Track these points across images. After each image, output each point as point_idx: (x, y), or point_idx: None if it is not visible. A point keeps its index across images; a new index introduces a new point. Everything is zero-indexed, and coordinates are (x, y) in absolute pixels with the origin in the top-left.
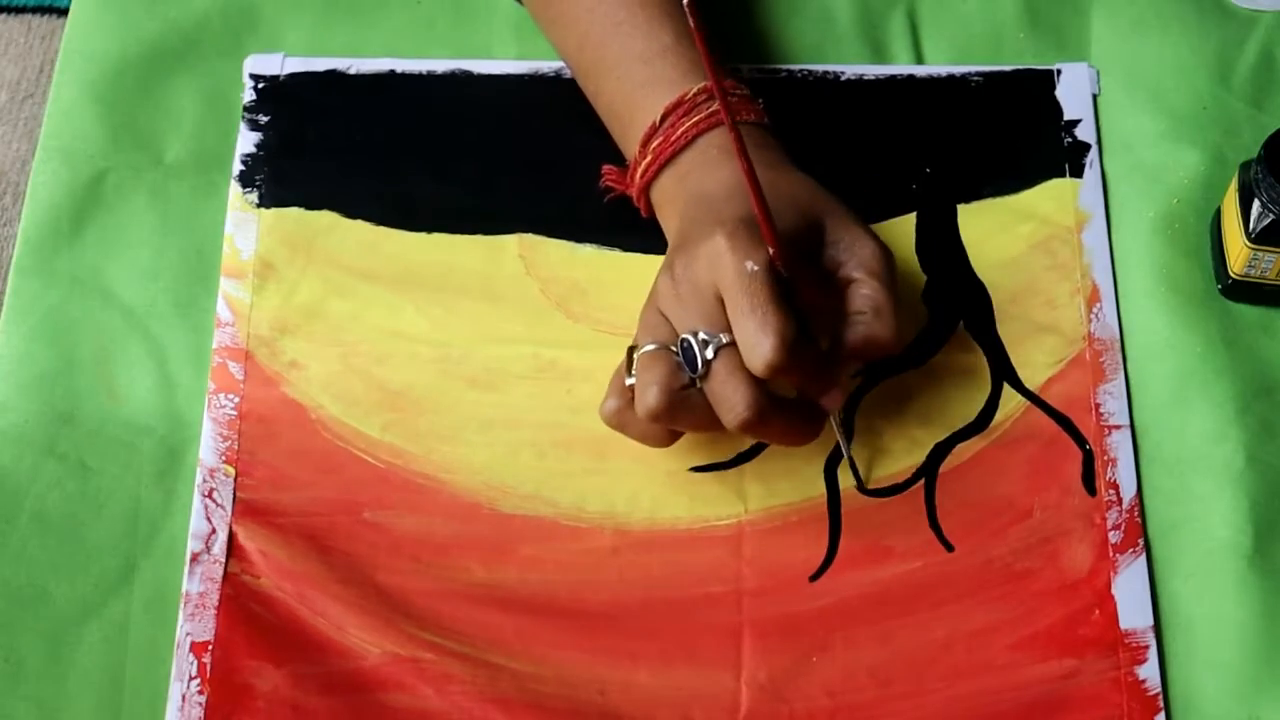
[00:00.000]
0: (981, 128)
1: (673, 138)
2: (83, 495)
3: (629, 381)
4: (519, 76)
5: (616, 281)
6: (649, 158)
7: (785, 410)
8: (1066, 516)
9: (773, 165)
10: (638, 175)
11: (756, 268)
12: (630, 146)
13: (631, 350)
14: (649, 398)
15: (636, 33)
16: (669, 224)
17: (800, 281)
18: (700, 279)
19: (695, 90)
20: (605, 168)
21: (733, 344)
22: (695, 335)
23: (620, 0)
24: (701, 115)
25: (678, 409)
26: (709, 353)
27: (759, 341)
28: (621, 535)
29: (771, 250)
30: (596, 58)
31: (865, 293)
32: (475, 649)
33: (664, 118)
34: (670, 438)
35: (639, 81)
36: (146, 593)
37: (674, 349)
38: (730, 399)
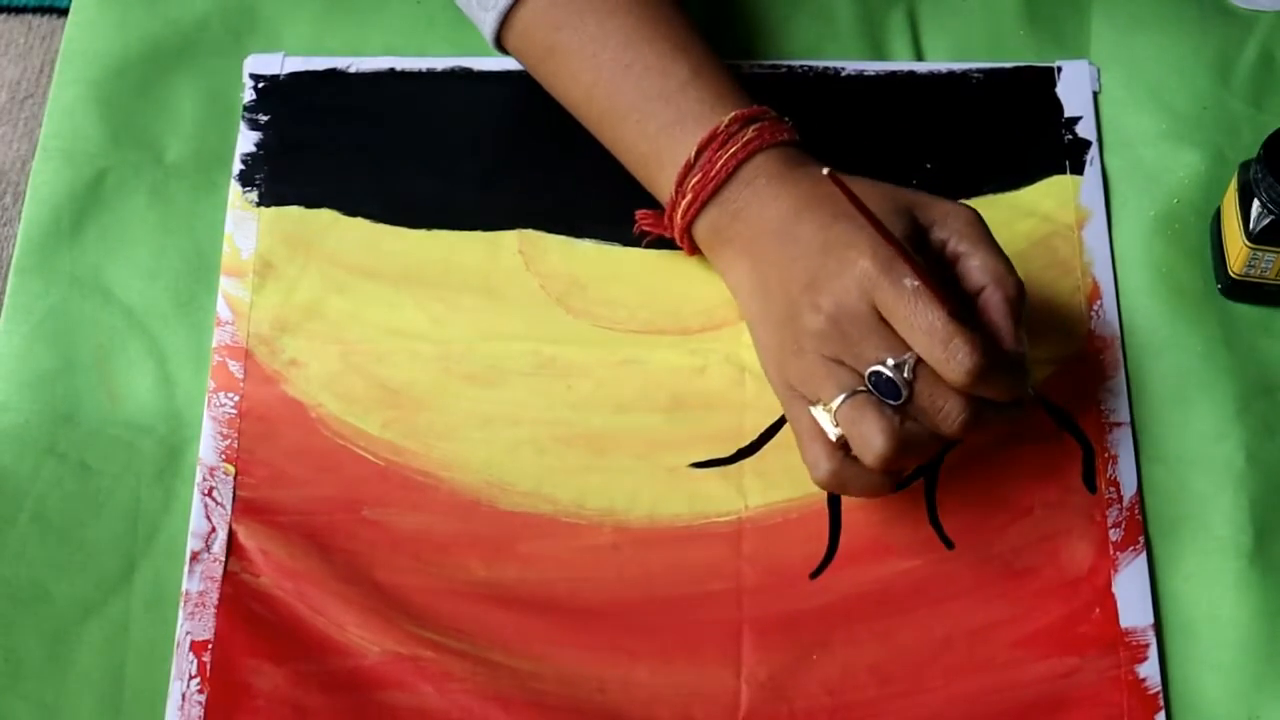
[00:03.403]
0: (982, 124)
1: (712, 173)
2: (83, 495)
3: (834, 434)
4: (518, 73)
5: (616, 276)
6: (689, 196)
7: (991, 403)
8: (1067, 514)
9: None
10: (678, 216)
11: (916, 283)
12: (663, 188)
13: (810, 407)
14: (877, 445)
15: (650, 73)
16: (734, 264)
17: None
18: (857, 308)
19: (727, 121)
20: (639, 213)
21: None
22: (885, 364)
23: (625, 43)
24: (738, 145)
25: (905, 446)
26: (906, 374)
27: (952, 355)
28: (621, 532)
29: (913, 266)
30: (608, 105)
31: (976, 263)
32: (475, 647)
33: (699, 153)
34: (895, 482)
35: (664, 121)
36: (146, 592)
37: (862, 389)
38: (944, 408)
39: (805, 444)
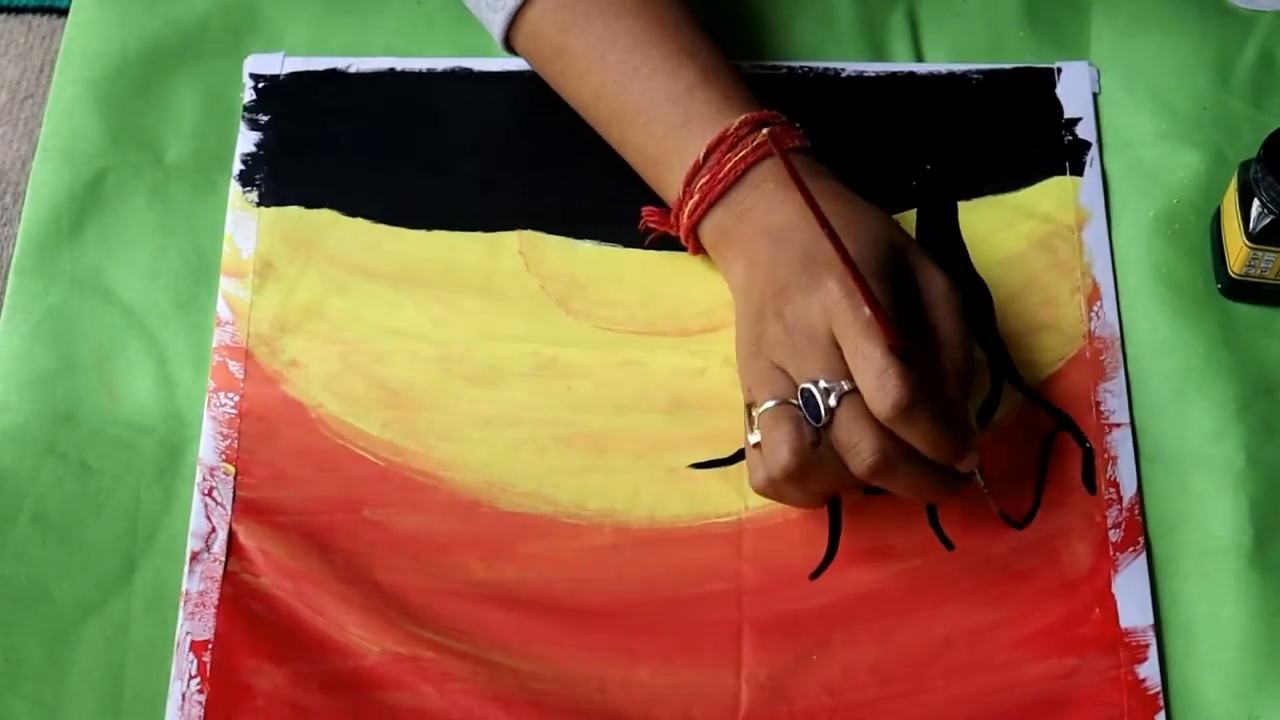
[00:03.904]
0: (982, 125)
1: (720, 174)
2: (83, 495)
3: (753, 440)
4: (519, 74)
5: (616, 277)
6: (696, 197)
7: (916, 459)
8: (1067, 515)
9: (836, 194)
10: (684, 215)
11: (869, 313)
12: (670, 188)
13: (750, 408)
14: (781, 456)
15: (658, 74)
16: (734, 263)
17: (902, 319)
18: (815, 325)
19: (737, 124)
20: (645, 210)
21: (855, 391)
22: (816, 384)
23: (632, 45)
24: (748, 149)
25: (810, 467)
26: (832, 400)
27: (881, 386)
28: (621, 533)
29: (866, 295)
30: (616, 107)
31: (939, 333)
32: (475, 647)
33: (708, 155)
34: (824, 502)
35: (672, 123)
36: (146, 592)
37: (794, 401)
38: (857, 445)
39: (749, 448)
